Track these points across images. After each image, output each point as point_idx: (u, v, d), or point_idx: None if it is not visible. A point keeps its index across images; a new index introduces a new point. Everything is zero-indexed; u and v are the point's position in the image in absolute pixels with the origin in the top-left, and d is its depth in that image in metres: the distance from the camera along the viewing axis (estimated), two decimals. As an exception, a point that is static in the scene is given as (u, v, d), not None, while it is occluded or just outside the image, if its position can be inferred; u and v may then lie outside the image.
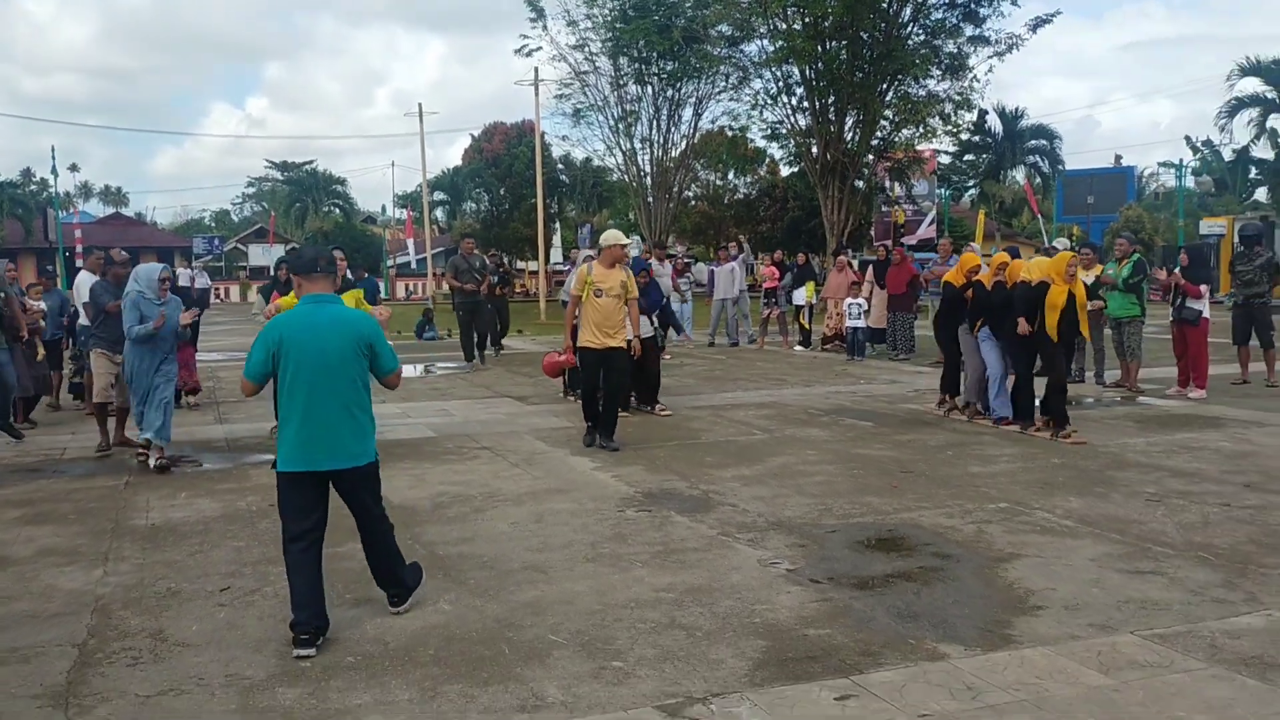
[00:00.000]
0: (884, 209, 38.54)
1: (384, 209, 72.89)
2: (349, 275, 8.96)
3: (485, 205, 53.06)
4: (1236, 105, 38.71)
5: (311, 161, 71.68)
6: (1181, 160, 39.40)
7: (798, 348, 18.15)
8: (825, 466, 8.02)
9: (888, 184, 36.76)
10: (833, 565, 5.45)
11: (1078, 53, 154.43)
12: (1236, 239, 13.81)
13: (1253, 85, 37.59)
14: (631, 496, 7.09)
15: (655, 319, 11.04)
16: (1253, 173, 46.45)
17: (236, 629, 4.55)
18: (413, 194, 66.27)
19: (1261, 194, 45.28)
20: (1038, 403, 9.46)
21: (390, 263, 52.85)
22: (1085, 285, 9.77)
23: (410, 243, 52.46)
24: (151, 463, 8.13)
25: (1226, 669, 4.00)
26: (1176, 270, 11.72)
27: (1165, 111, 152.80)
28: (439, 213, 56.36)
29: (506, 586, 5.14)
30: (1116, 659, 4.12)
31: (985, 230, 34.78)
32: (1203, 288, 11.53)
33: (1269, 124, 38.93)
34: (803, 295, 18.43)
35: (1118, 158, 58.60)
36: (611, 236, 9.24)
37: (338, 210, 66.00)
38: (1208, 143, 50.96)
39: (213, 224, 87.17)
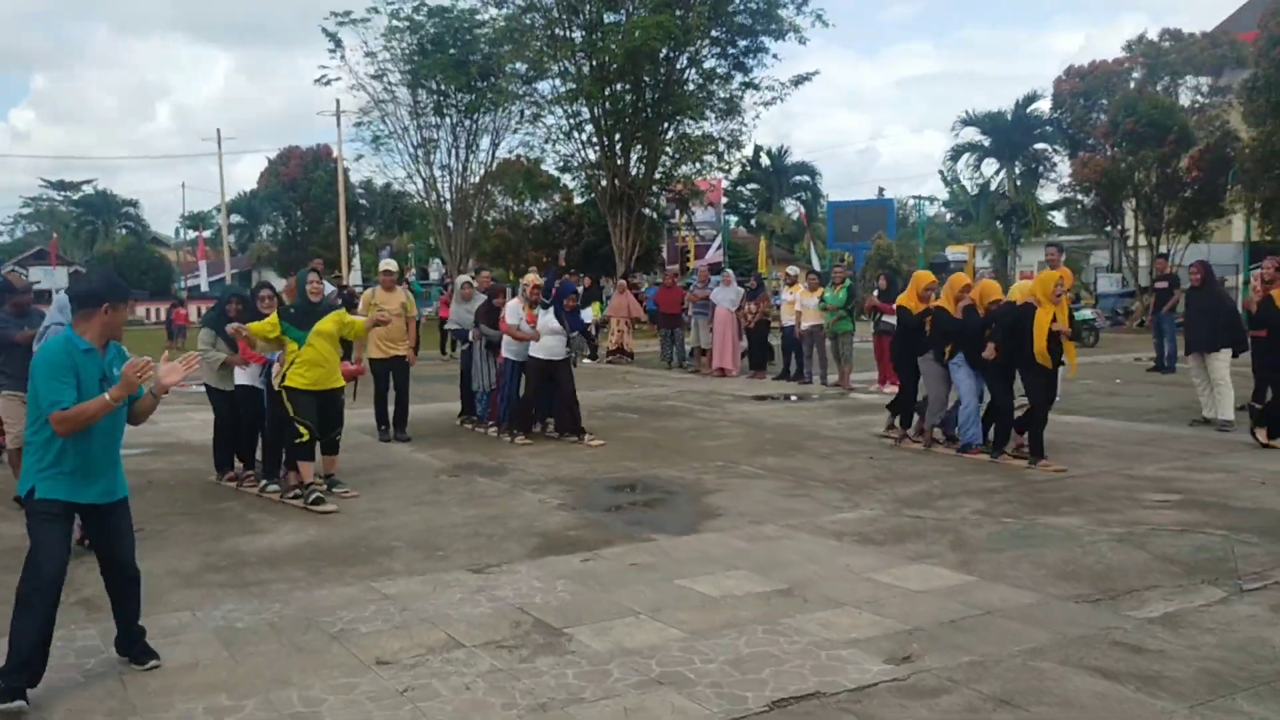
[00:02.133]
0: (671, 235, 41.96)
1: (177, 232, 70.96)
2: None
3: (282, 228, 53.33)
4: (959, 150, 44.16)
5: (92, 180, 69.19)
6: (920, 196, 44.54)
7: (585, 360, 20.55)
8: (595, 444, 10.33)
9: (675, 213, 40.17)
10: (591, 500, 7.74)
11: (858, 87, 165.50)
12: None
13: (972, 134, 42.97)
14: (444, 468, 9.17)
15: (570, 340, 10.84)
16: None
17: (164, 550, 6.34)
18: (202, 215, 65.20)
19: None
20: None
21: (182, 285, 52.13)
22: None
23: (203, 264, 51.92)
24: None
25: (820, 538, 6.51)
26: (874, 293, 14.70)
27: (936, 144, 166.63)
28: (232, 236, 55.96)
29: (355, 520, 7.14)
30: (758, 536, 6.57)
31: (767, 254, 38.62)
32: (895, 305, 14.54)
33: (982, 168, 44.50)
34: (590, 314, 20.89)
35: (880, 190, 65.11)
36: (382, 265, 11.48)
37: (125, 232, 64.05)
38: (955, 179, 57.65)
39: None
